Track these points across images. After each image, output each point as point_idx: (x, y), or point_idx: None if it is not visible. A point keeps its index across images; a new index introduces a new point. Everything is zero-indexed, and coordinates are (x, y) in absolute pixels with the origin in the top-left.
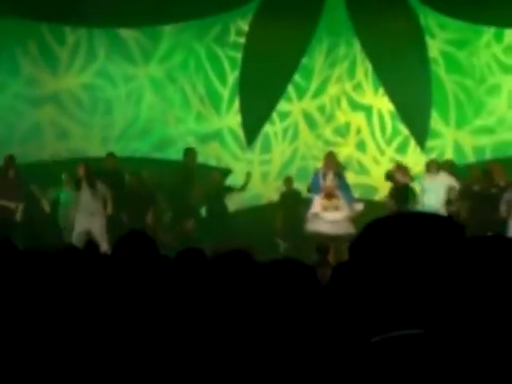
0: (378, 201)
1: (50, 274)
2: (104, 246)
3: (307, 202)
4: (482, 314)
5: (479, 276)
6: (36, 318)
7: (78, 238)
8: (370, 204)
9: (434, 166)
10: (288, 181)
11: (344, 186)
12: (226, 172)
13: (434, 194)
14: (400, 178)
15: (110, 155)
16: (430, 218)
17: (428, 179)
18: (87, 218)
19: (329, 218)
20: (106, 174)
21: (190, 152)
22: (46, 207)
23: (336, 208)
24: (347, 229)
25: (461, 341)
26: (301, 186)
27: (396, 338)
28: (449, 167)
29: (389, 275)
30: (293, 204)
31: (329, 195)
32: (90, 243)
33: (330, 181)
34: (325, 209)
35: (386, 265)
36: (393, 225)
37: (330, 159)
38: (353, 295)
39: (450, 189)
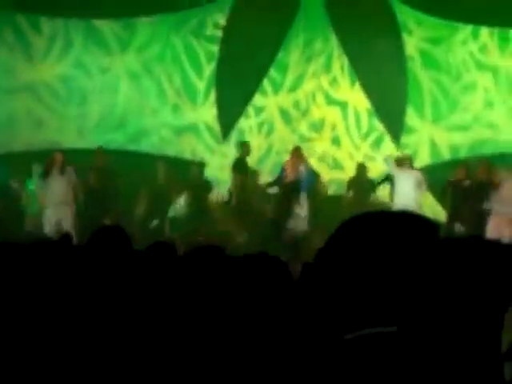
0: (351, 196)
1: (26, 267)
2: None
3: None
4: (452, 313)
5: (451, 274)
6: (13, 310)
7: (49, 228)
8: (343, 200)
9: (406, 161)
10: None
11: (306, 182)
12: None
13: (406, 188)
14: None
15: (100, 151)
16: (406, 216)
17: (399, 173)
18: (58, 208)
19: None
20: (97, 169)
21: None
22: (24, 200)
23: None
24: (303, 226)
25: (432, 339)
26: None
27: (369, 336)
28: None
29: (362, 273)
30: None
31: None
32: (66, 236)
33: (289, 176)
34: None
35: (360, 262)
36: (367, 223)
37: (294, 154)
38: (326, 292)
39: (420, 183)
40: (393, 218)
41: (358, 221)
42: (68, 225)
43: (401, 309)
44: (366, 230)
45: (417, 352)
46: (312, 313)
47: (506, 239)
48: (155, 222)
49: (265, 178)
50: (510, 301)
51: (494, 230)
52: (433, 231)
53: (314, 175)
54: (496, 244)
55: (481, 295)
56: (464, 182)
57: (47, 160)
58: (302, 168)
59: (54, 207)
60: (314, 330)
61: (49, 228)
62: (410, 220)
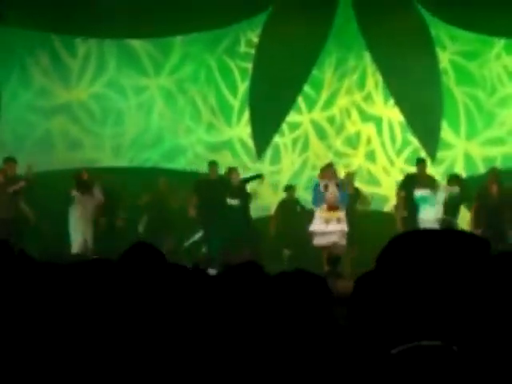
0: (388, 211)
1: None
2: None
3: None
4: (503, 331)
5: (502, 292)
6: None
7: (80, 246)
8: (380, 214)
9: (455, 181)
10: (290, 189)
11: (344, 197)
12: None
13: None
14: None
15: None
16: (455, 234)
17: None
18: (85, 226)
19: (329, 229)
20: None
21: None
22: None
23: (338, 220)
24: (340, 239)
25: (480, 355)
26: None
27: (414, 350)
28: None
29: (413, 288)
30: (291, 212)
31: (331, 207)
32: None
33: (331, 193)
34: (327, 221)
35: (411, 278)
36: (418, 240)
37: (329, 170)
38: (376, 307)
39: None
40: (444, 235)
41: (410, 238)
42: (88, 244)
43: (452, 324)
44: (419, 247)
45: (463, 368)
46: (361, 328)
47: None
48: (192, 240)
49: (300, 193)
50: None
51: None
52: (485, 248)
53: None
54: None
55: None
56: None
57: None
58: (340, 184)
59: (83, 226)
60: (359, 344)
61: (78, 246)
62: (462, 237)
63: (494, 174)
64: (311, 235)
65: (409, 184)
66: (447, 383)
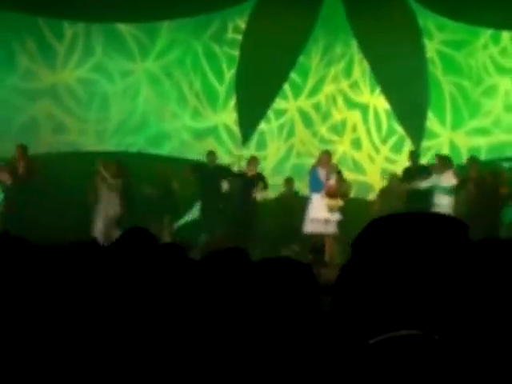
0: (372, 199)
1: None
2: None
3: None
4: (483, 318)
5: (482, 278)
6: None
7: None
8: (364, 202)
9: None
10: (288, 181)
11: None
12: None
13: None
14: None
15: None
16: (434, 217)
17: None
18: (109, 212)
19: (330, 218)
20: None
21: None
22: None
23: (339, 209)
24: (333, 229)
25: (461, 343)
26: (296, 184)
27: (393, 339)
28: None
29: (391, 275)
30: (291, 206)
31: (334, 195)
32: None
33: (334, 180)
34: (331, 209)
35: (388, 264)
36: (396, 224)
37: (328, 158)
38: (355, 294)
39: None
40: (422, 218)
41: (387, 221)
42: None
43: (431, 312)
44: (396, 230)
45: (443, 357)
46: (340, 317)
47: None
48: (178, 225)
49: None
50: None
51: None
52: (463, 231)
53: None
54: None
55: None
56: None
57: (106, 167)
58: (336, 174)
59: (105, 211)
60: (339, 334)
61: (100, 230)
62: (441, 220)
63: (474, 163)
64: (308, 221)
65: (410, 176)
66: (426, 373)
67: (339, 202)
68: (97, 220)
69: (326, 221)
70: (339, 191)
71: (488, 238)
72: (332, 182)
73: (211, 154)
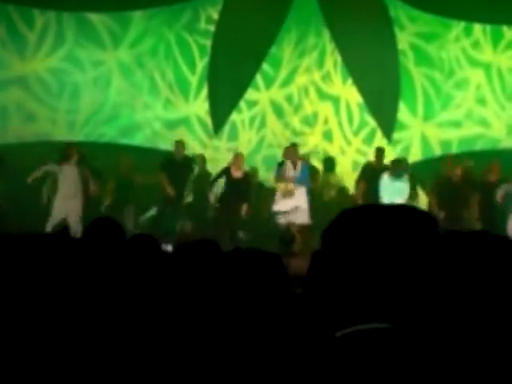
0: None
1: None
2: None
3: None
4: (451, 311)
5: (452, 271)
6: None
7: (54, 221)
8: (336, 193)
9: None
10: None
11: (304, 178)
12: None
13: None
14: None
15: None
16: (403, 209)
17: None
18: (67, 202)
19: (285, 207)
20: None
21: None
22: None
23: (290, 195)
24: (303, 219)
25: (429, 337)
26: (267, 174)
27: (360, 332)
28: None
29: (360, 267)
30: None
31: (284, 181)
32: (64, 229)
33: (288, 171)
34: (283, 194)
35: (357, 256)
36: (366, 215)
37: (294, 151)
38: (322, 287)
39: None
40: (392, 210)
41: (357, 212)
42: (74, 219)
43: (399, 305)
44: (365, 222)
45: (414, 350)
46: (308, 310)
47: None
48: (147, 216)
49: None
50: None
51: None
52: (432, 224)
53: (310, 170)
54: (504, 239)
55: (488, 291)
56: (456, 178)
57: (68, 151)
58: (300, 163)
59: (64, 198)
60: (308, 326)
61: (54, 221)
62: (410, 213)
63: (450, 160)
64: (274, 214)
65: (369, 174)
66: (393, 366)
67: (289, 186)
68: (53, 211)
69: (292, 211)
70: (291, 180)
71: (453, 231)
72: (286, 171)
73: (179, 143)
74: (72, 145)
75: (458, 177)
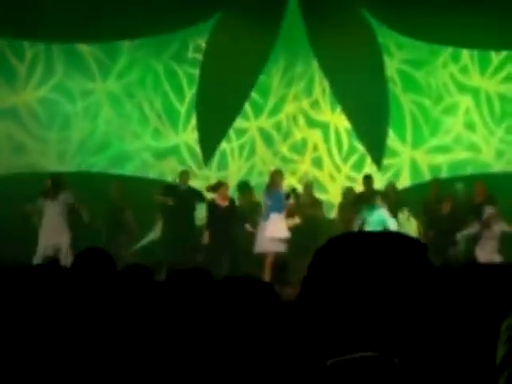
0: (334, 218)
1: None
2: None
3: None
4: (440, 340)
5: (441, 300)
6: None
7: (41, 254)
8: (327, 221)
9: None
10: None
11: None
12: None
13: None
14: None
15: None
16: (392, 236)
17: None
18: (53, 234)
19: (282, 236)
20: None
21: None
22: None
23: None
24: (284, 247)
25: (420, 367)
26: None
27: (351, 361)
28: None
29: (348, 295)
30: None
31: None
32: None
33: (292, 200)
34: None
35: (345, 284)
36: (353, 243)
37: (280, 177)
38: (311, 315)
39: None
40: (381, 237)
41: (344, 240)
42: (64, 251)
43: (387, 333)
44: (352, 249)
45: (404, 380)
46: (298, 338)
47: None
48: (139, 245)
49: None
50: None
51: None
52: (422, 251)
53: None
54: (491, 267)
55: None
56: (442, 205)
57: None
58: (278, 190)
59: (48, 233)
60: (299, 354)
61: (41, 254)
62: (399, 240)
63: (436, 183)
64: (265, 240)
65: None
66: None
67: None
68: (40, 243)
69: (282, 240)
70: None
71: (447, 263)
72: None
73: (184, 173)
74: (49, 178)
75: (447, 210)
